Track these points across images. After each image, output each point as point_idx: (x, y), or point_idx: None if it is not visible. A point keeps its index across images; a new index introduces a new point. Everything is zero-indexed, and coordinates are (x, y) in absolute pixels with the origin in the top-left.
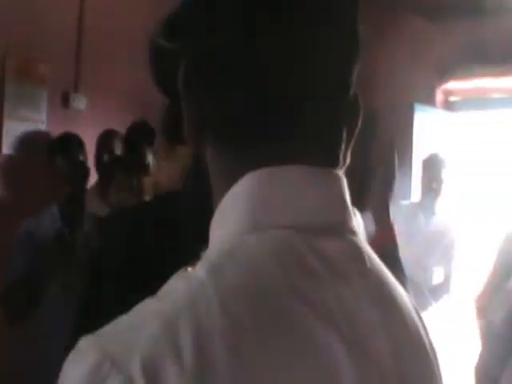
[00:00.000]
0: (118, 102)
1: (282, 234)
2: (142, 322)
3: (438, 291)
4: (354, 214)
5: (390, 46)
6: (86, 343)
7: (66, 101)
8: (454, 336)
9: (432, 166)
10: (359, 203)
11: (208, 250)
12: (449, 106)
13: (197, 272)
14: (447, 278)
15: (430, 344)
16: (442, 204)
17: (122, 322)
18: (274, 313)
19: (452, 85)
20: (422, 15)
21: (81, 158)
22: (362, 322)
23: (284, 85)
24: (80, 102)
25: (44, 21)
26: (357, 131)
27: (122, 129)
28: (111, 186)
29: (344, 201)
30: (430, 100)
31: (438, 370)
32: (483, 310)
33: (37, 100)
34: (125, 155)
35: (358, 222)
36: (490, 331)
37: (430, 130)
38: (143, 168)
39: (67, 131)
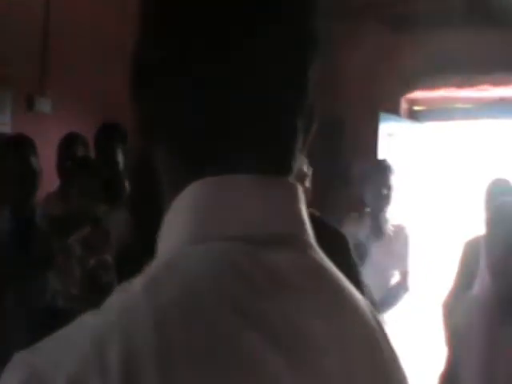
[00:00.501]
0: (84, 104)
1: (223, 246)
2: (74, 339)
3: (396, 291)
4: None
5: (357, 55)
6: (18, 358)
7: (30, 103)
8: (418, 340)
9: (381, 173)
10: (336, 209)
11: (152, 262)
12: (413, 115)
13: (133, 285)
14: (404, 278)
15: (392, 352)
16: (393, 210)
17: (58, 336)
18: (208, 329)
19: (416, 94)
20: (388, 26)
21: (33, 159)
22: (309, 335)
23: (227, 96)
24: (45, 105)
25: (8, 22)
26: (310, 139)
27: (88, 132)
28: (72, 189)
29: (296, 211)
30: (394, 109)
31: (401, 378)
32: (449, 316)
33: (1, 103)
34: (87, 158)
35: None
36: (456, 337)
37: (395, 138)
38: (111, 171)
39: (19, 133)
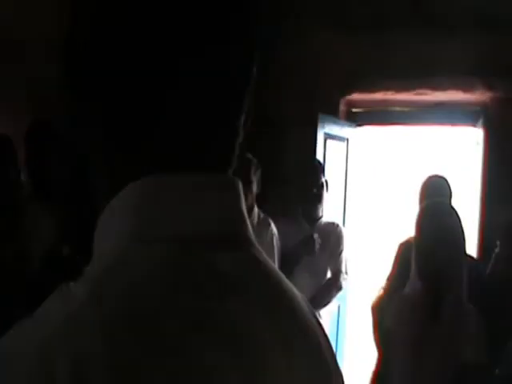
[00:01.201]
0: (12, 104)
1: (166, 247)
2: (17, 352)
3: (328, 290)
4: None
5: (296, 56)
6: None
7: None
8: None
9: (311, 172)
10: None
11: (90, 265)
12: (351, 117)
13: (76, 291)
14: (336, 276)
15: (329, 348)
16: (324, 208)
17: None
18: (157, 336)
19: (355, 96)
20: (328, 28)
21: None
22: (253, 334)
23: (165, 96)
24: None
25: None
26: (246, 133)
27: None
28: None
29: (238, 209)
30: (333, 111)
31: (337, 373)
32: (380, 316)
33: None
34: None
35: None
36: (385, 338)
37: (333, 140)
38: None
39: None
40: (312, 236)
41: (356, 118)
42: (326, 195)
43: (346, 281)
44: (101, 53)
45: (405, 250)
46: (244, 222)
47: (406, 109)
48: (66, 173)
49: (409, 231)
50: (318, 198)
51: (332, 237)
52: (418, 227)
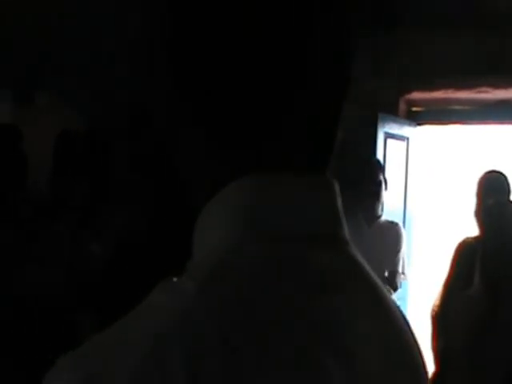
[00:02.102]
0: (79, 99)
1: (273, 245)
2: (128, 341)
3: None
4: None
5: (355, 56)
6: (67, 364)
7: (30, 98)
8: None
9: (371, 171)
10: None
11: (194, 261)
12: (411, 116)
13: (184, 285)
14: (392, 275)
15: (419, 351)
16: (383, 206)
17: (105, 339)
18: (264, 331)
19: (415, 95)
20: (387, 26)
21: (20, 146)
22: (354, 335)
23: (270, 89)
24: (44, 99)
25: (6, 17)
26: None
27: (84, 127)
28: (64, 181)
29: (335, 209)
30: (393, 110)
31: (426, 374)
32: (439, 320)
33: (1, 97)
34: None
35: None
36: (447, 344)
37: (393, 139)
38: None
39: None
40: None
41: (416, 117)
42: (384, 194)
43: (403, 281)
44: (211, 50)
45: (464, 250)
46: (341, 222)
47: (466, 107)
48: (133, 173)
49: (469, 230)
50: (377, 197)
51: (390, 236)
52: (482, 228)
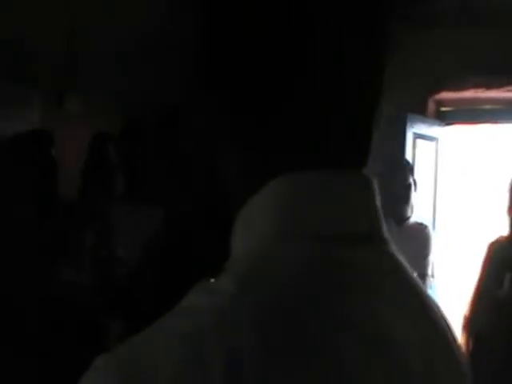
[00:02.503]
0: (113, 103)
1: (313, 245)
2: (166, 343)
3: None
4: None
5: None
6: (104, 363)
7: (60, 102)
8: None
9: (400, 172)
10: None
11: (232, 262)
12: (440, 116)
13: (223, 285)
14: (421, 279)
15: (460, 351)
16: (413, 208)
17: (143, 340)
18: (302, 331)
19: (444, 95)
20: (415, 25)
21: (52, 151)
22: (395, 337)
23: (308, 85)
24: (74, 103)
25: (38, 18)
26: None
27: (116, 130)
28: (89, 184)
29: (374, 207)
30: (422, 110)
31: (467, 374)
32: (470, 322)
33: (30, 101)
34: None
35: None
36: (479, 345)
37: (423, 139)
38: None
39: (37, 128)
40: None
41: (445, 117)
42: (414, 195)
43: (432, 283)
44: (234, 43)
45: (495, 250)
46: (380, 221)
47: (496, 106)
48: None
49: (500, 230)
50: (406, 198)
51: (419, 238)
52: None
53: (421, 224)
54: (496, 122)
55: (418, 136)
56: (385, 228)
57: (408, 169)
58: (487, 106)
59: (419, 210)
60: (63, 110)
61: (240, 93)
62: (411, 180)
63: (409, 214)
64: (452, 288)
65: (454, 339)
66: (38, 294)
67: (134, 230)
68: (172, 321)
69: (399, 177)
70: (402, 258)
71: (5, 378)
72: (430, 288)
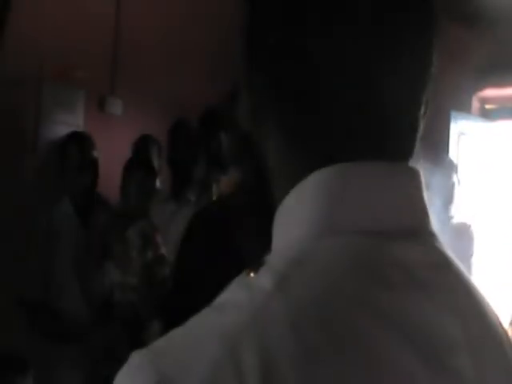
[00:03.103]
0: (155, 106)
1: (358, 240)
2: (202, 340)
3: None
4: None
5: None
6: (140, 360)
7: (102, 105)
8: None
9: (444, 171)
10: None
11: (272, 255)
12: (484, 113)
13: (261, 282)
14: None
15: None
16: (457, 208)
17: (179, 337)
18: (349, 333)
19: (488, 92)
20: (458, 22)
21: (92, 152)
22: (444, 336)
23: (354, 74)
24: (116, 106)
25: (81, 26)
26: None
27: (158, 133)
28: (131, 187)
29: (422, 200)
30: (466, 107)
31: None
32: None
33: (73, 104)
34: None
35: None
36: None
37: (466, 137)
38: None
39: (79, 131)
40: None
41: (489, 114)
42: (458, 194)
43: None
44: (281, 37)
45: None
46: (426, 214)
47: None
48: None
49: None
50: (450, 197)
51: (463, 237)
52: None
53: (465, 224)
54: None
55: (462, 133)
56: (431, 222)
57: (452, 167)
58: None
59: (463, 209)
60: (105, 114)
61: (284, 81)
62: (455, 178)
63: (453, 213)
64: (488, 287)
65: (509, 341)
66: (86, 294)
67: (176, 230)
68: (210, 317)
69: (443, 175)
70: (451, 255)
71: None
72: None
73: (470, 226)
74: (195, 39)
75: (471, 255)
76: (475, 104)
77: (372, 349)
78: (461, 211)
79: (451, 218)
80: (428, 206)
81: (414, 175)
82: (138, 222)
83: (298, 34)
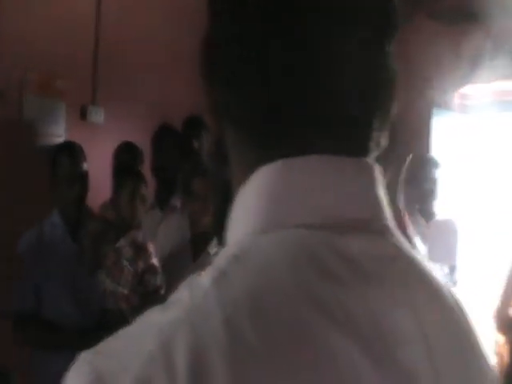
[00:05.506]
0: (136, 114)
1: (299, 233)
2: (139, 338)
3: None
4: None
5: (409, 50)
6: (82, 359)
7: (83, 114)
8: None
9: (424, 168)
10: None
11: (220, 252)
12: (466, 109)
13: (202, 279)
14: (452, 271)
15: (480, 346)
16: (440, 204)
17: (124, 335)
18: (284, 326)
19: (469, 88)
20: (439, 19)
21: (83, 164)
22: (392, 328)
23: (302, 77)
24: (98, 115)
25: (62, 35)
26: (390, 117)
27: (140, 141)
28: (121, 196)
29: (374, 193)
30: (447, 103)
31: (489, 368)
32: (506, 322)
33: (55, 114)
34: (133, 166)
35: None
36: None
37: (448, 133)
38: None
39: (67, 140)
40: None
41: (470, 110)
42: (441, 190)
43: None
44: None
45: None
46: (381, 208)
47: None
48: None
49: None
50: (433, 194)
51: (448, 233)
52: None
53: (449, 219)
54: None
55: (443, 129)
56: (388, 216)
57: (434, 163)
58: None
59: (445, 205)
60: (87, 123)
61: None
62: (437, 175)
63: (436, 209)
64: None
65: (474, 335)
66: (79, 304)
67: (162, 238)
68: (151, 315)
69: (425, 172)
70: (407, 246)
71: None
72: (456, 282)
73: (453, 221)
74: (177, 46)
75: (456, 248)
76: (456, 100)
77: (312, 344)
78: (444, 207)
79: (435, 214)
80: (384, 200)
81: (367, 169)
82: (130, 232)
83: (250, 36)
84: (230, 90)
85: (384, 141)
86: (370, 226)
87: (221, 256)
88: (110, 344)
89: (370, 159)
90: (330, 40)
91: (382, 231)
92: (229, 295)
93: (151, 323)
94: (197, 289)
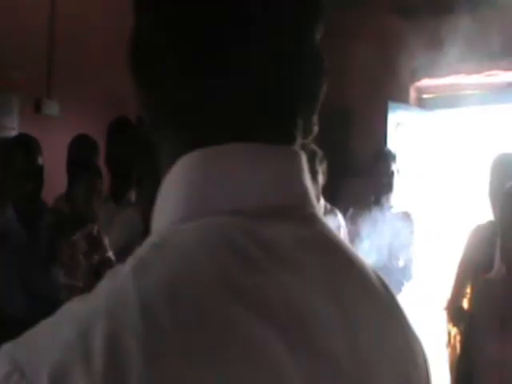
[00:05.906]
0: (91, 106)
1: (214, 221)
2: (59, 326)
3: (399, 278)
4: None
5: (365, 44)
6: (1, 351)
7: (38, 107)
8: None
9: (382, 160)
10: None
11: (144, 241)
12: (422, 103)
13: (123, 268)
14: (408, 265)
15: (409, 329)
16: (396, 197)
17: (44, 325)
18: (199, 311)
19: (425, 82)
20: (395, 13)
21: (38, 158)
22: (312, 314)
23: (225, 70)
24: (52, 108)
25: (15, 27)
26: (318, 104)
27: (95, 133)
28: (76, 190)
29: (299, 181)
30: (403, 97)
31: (421, 349)
32: (457, 314)
33: (8, 107)
34: (89, 160)
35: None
36: (470, 332)
37: (404, 127)
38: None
39: (23, 133)
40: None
41: (427, 104)
42: (397, 183)
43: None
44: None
45: (479, 235)
46: (305, 195)
47: (477, 92)
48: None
49: (481, 217)
50: (390, 187)
51: (404, 226)
52: (503, 211)
53: (405, 212)
54: (477, 107)
55: (399, 123)
56: (314, 204)
57: (391, 157)
58: (468, 92)
59: (402, 198)
60: (41, 116)
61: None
62: (394, 168)
63: (393, 202)
64: (432, 271)
65: (402, 319)
66: (33, 292)
67: (116, 232)
68: (73, 305)
69: (382, 165)
70: (334, 235)
71: None
72: (412, 274)
73: (409, 214)
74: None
75: (412, 241)
76: (412, 94)
77: (227, 328)
78: (400, 200)
79: (391, 206)
80: (308, 189)
81: (290, 156)
82: (85, 226)
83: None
84: (153, 80)
85: (316, 128)
86: (295, 213)
87: (143, 245)
88: (30, 335)
89: (296, 147)
90: (251, 28)
91: (307, 219)
92: (146, 283)
93: (71, 313)
94: (116, 277)
